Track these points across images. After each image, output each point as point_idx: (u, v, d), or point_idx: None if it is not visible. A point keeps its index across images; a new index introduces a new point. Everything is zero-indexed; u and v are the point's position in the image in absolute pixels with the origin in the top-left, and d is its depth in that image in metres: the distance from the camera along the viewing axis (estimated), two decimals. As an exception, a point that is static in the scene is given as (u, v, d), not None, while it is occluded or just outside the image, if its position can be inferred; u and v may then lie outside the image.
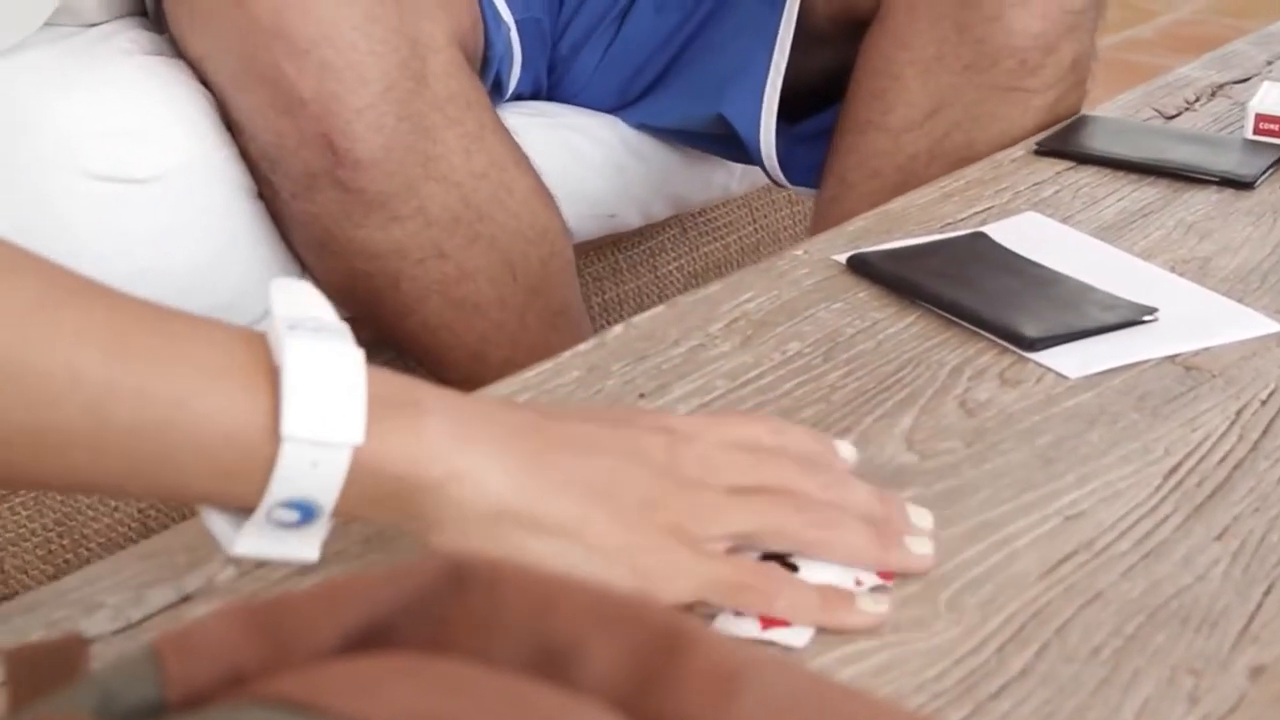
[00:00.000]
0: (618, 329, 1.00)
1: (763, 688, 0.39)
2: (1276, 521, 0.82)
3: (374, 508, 0.68)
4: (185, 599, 0.75)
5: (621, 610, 0.42)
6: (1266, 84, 1.40)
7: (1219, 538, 0.81)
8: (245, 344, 0.66)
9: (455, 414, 0.68)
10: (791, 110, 1.42)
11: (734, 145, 1.46)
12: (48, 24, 1.26)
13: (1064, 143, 1.31)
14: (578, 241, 1.44)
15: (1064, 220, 1.18)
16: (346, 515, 0.68)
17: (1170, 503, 0.84)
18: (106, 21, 1.32)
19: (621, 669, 0.41)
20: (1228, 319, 1.04)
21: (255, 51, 1.17)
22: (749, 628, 0.71)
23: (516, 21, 1.40)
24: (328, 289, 0.85)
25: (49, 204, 1.20)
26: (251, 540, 0.67)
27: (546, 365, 0.95)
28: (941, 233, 1.15)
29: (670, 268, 1.71)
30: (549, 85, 1.51)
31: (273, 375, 0.64)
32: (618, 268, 1.66)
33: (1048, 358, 0.98)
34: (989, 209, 1.20)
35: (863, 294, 1.06)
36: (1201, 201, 1.23)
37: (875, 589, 0.74)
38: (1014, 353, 0.98)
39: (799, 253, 1.12)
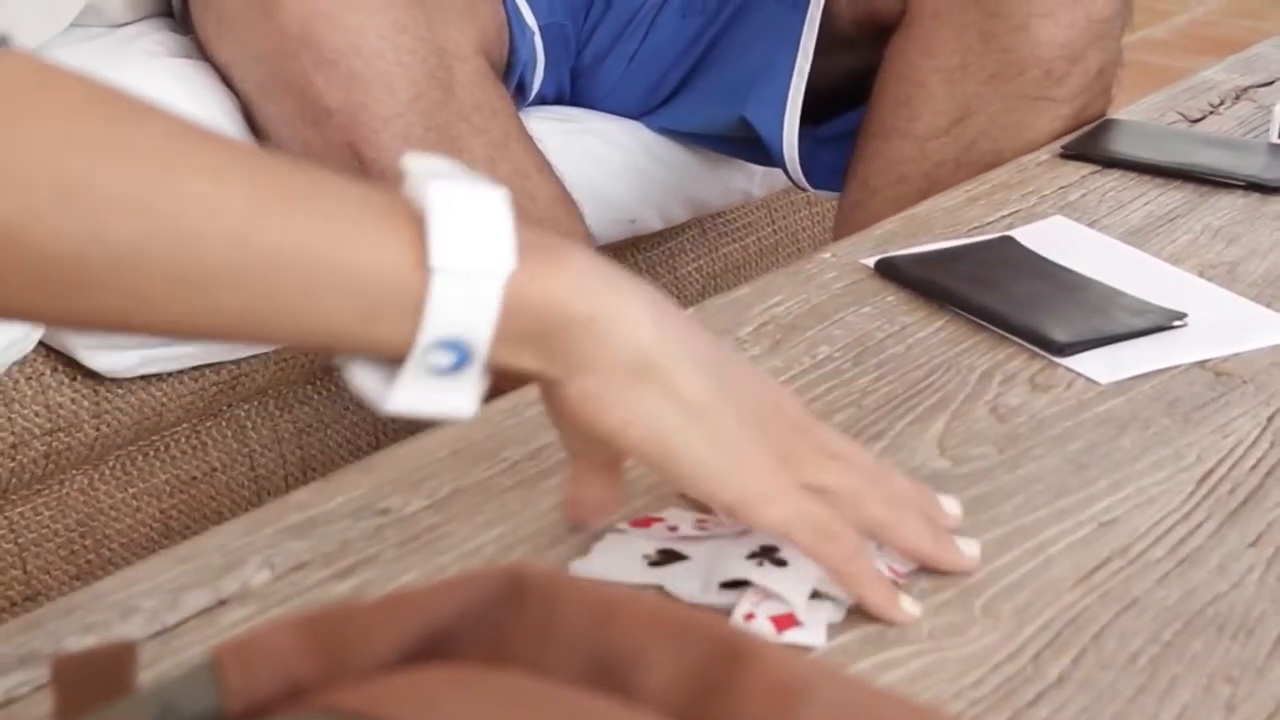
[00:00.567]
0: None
1: (823, 701, 0.39)
2: (1310, 528, 0.82)
3: (525, 347, 0.65)
4: (221, 603, 0.75)
5: (680, 622, 0.42)
6: (1291, 88, 1.40)
7: (1253, 544, 0.81)
8: (390, 191, 0.65)
9: (600, 264, 0.67)
10: (813, 112, 1.42)
11: (756, 148, 1.46)
12: (74, 25, 1.27)
13: (1089, 146, 1.31)
14: (598, 245, 1.44)
15: (1091, 224, 1.18)
16: (498, 361, 0.65)
17: (1204, 509, 0.84)
18: (132, 22, 1.33)
19: (680, 681, 0.41)
20: (1257, 324, 1.04)
21: (283, 60, 1.17)
22: (763, 628, 0.71)
23: (541, 27, 1.40)
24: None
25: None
26: (406, 393, 0.64)
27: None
28: (969, 237, 1.15)
29: (689, 269, 1.71)
30: (572, 90, 1.51)
31: (419, 217, 0.63)
32: (637, 269, 1.66)
33: (1078, 363, 0.98)
34: (1015, 213, 1.20)
35: (891, 298, 1.06)
36: (1228, 206, 1.23)
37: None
38: (1044, 358, 0.98)
39: (827, 256, 1.12)
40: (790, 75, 1.40)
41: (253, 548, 0.78)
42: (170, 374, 1.29)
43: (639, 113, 1.52)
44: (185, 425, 1.34)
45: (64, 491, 1.28)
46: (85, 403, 1.24)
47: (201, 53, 1.29)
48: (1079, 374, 0.97)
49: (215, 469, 1.36)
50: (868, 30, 1.39)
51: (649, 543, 0.77)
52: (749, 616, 0.71)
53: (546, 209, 1.29)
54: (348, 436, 1.45)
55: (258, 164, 0.63)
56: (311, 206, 0.63)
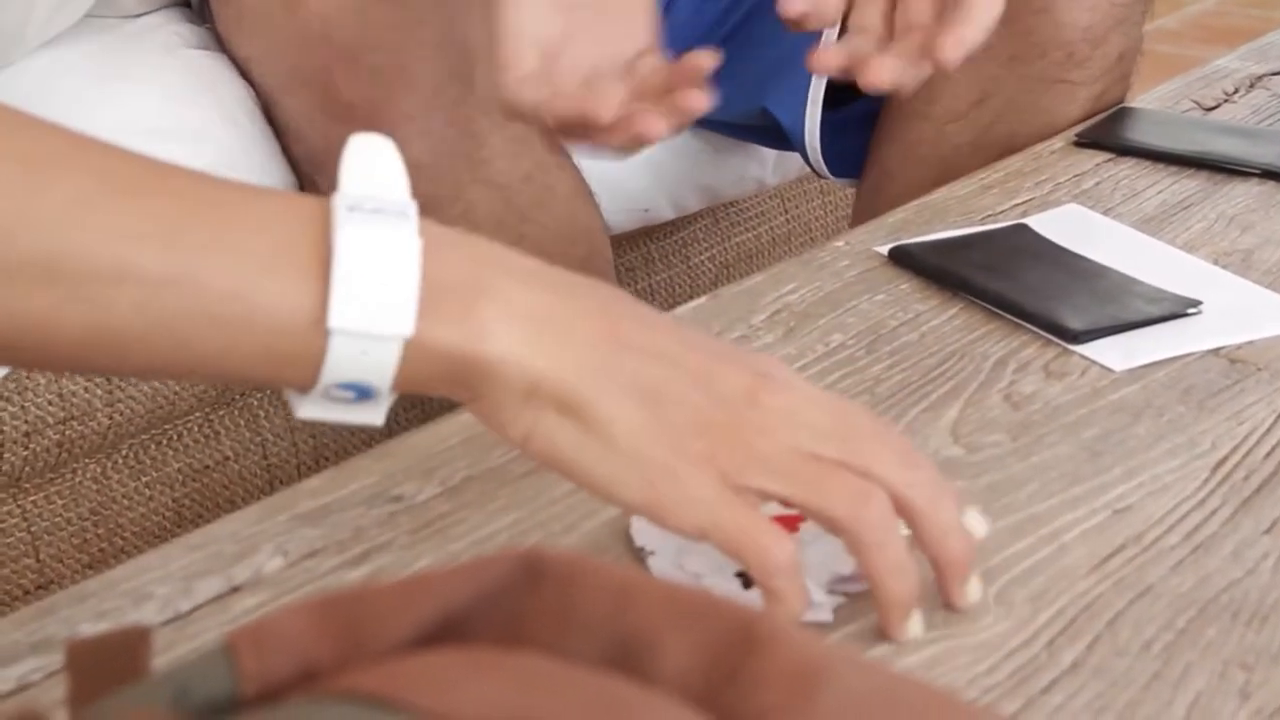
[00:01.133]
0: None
1: (842, 685, 0.39)
2: (1326, 516, 0.82)
3: (426, 386, 0.67)
4: (234, 590, 0.75)
5: (698, 605, 0.41)
6: (1306, 76, 1.40)
7: (1268, 531, 0.81)
8: (302, 225, 0.65)
9: (517, 296, 0.67)
10: (830, 96, 1.42)
11: (772, 133, 1.45)
12: (89, 16, 1.26)
13: (1104, 134, 1.31)
14: (611, 234, 1.44)
15: (1105, 212, 1.18)
16: (402, 392, 0.67)
17: (1218, 496, 0.84)
18: (149, 13, 1.32)
19: (698, 665, 0.41)
20: (1272, 311, 1.04)
21: (304, 56, 1.17)
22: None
23: None
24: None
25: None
26: (314, 409, 0.67)
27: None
28: (983, 224, 1.15)
29: (702, 258, 1.71)
30: (589, 81, 1.51)
31: (326, 260, 0.63)
32: (650, 258, 1.65)
33: (1092, 350, 0.97)
34: (1029, 200, 1.20)
35: (905, 285, 1.06)
36: (1243, 194, 1.22)
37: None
38: (1058, 345, 0.98)
39: (840, 244, 1.12)
40: None
41: (266, 535, 0.78)
42: (183, 362, 1.29)
43: (655, 100, 1.51)
44: (198, 414, 1.34)
45: (77, 480, 1.28)
46: (98, 391, 1.24)
47: (220, 44, 1.29)
48: (1093, 361, 0.97)
49: (228, 457, 1.36)
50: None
51: None
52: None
53: (566, 202, 1.29)
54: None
55: (171, 214, 0.64)
56: (221, 263, 0.63)
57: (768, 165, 1.65)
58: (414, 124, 1.17)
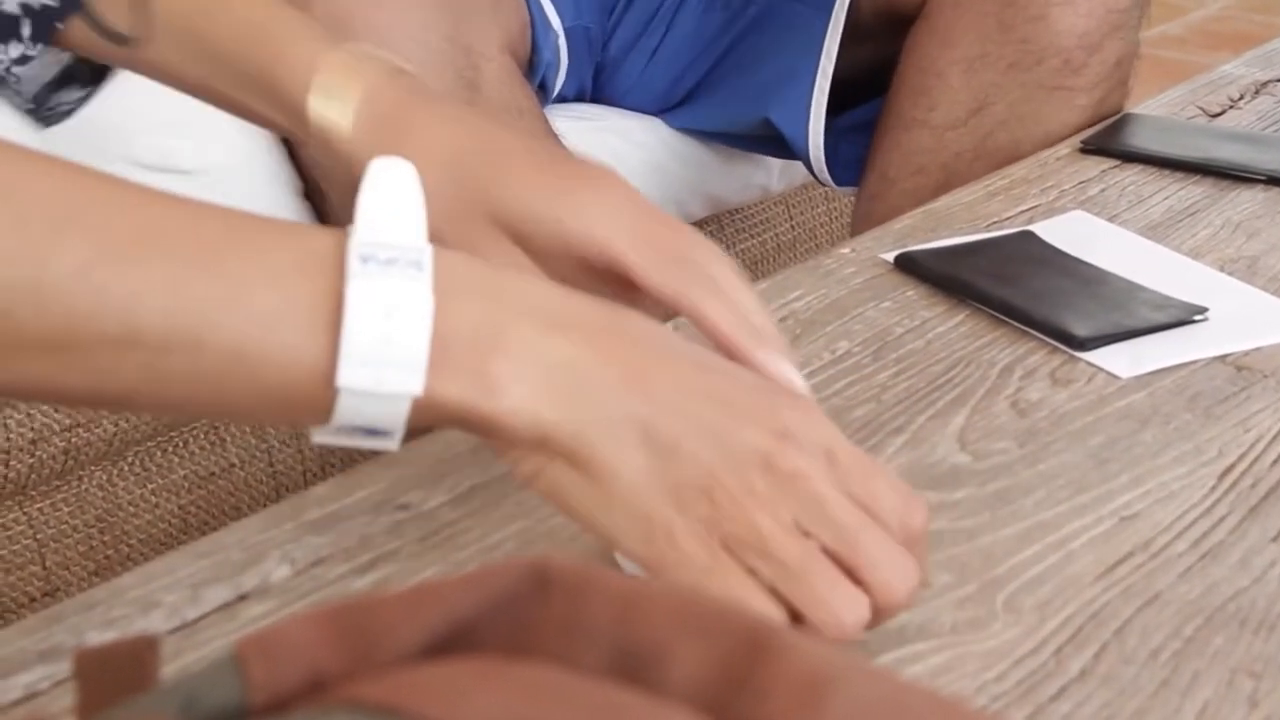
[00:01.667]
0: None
1: (851, 695, 0.39)
2: (1333, 523, 0.82)
3: (438, 426, 0.67)
4: (242, 598, 0.75)
5: (707, 615, 0.41)
6: (1311, 82, 1.40)
7: (1275, 539, 0.81)
8: (312, 278, 0.63)
9: (533, 344, 0.65)
10: (832, 104, 1.42)
11: (776, 143, 1.46)
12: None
13: (1109, 141, 1.31)
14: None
15: (1110, 219, 1.18)
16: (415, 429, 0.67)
17: (1225, 504, 0.84)
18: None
19: (707, 674, 0.41)
20: (1278, 319, 1.04)
21: None
22: None
23: (566, 29, 1.40)
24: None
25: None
26: (328, 439, 0.66)
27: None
28: (988, 231, 1.15)
29: (707, 265, 1.71)
30: (594, 87, 1.51)
31: (336, 314, 0.62)
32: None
33: (1098, 357, 0.97)
34: (1035, 207, 1.20)
35: (911, 293, 1.06)
36: (1248, 200, 1.22)
37: None
38: (1064, 352, 0.98)
39: (846, 251, 1.12)
40: (814, 75, 1.40)
41: (273, 543, 0.78)
42: (189, 370, 1.29)
43: (659, 109, 1.52)
44: (204, 421, 1.34)
45: (83, 487, 1.29)
46: (104, 398, 1.24)
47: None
48: (1100, 368, 0.96)
49: (234, 464, 1.36)
50: (887, 21, 1.39)
51: None
52: None
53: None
54: (367, 432, 1.45)
55: (175, 272, 0.62)
56: (226, 322, 0.62)
57: (773, 173, 1.65)
58: None
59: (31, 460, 1.22)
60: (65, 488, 1.28)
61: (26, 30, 0.92)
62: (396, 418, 0.64)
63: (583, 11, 1.43)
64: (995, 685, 0.70)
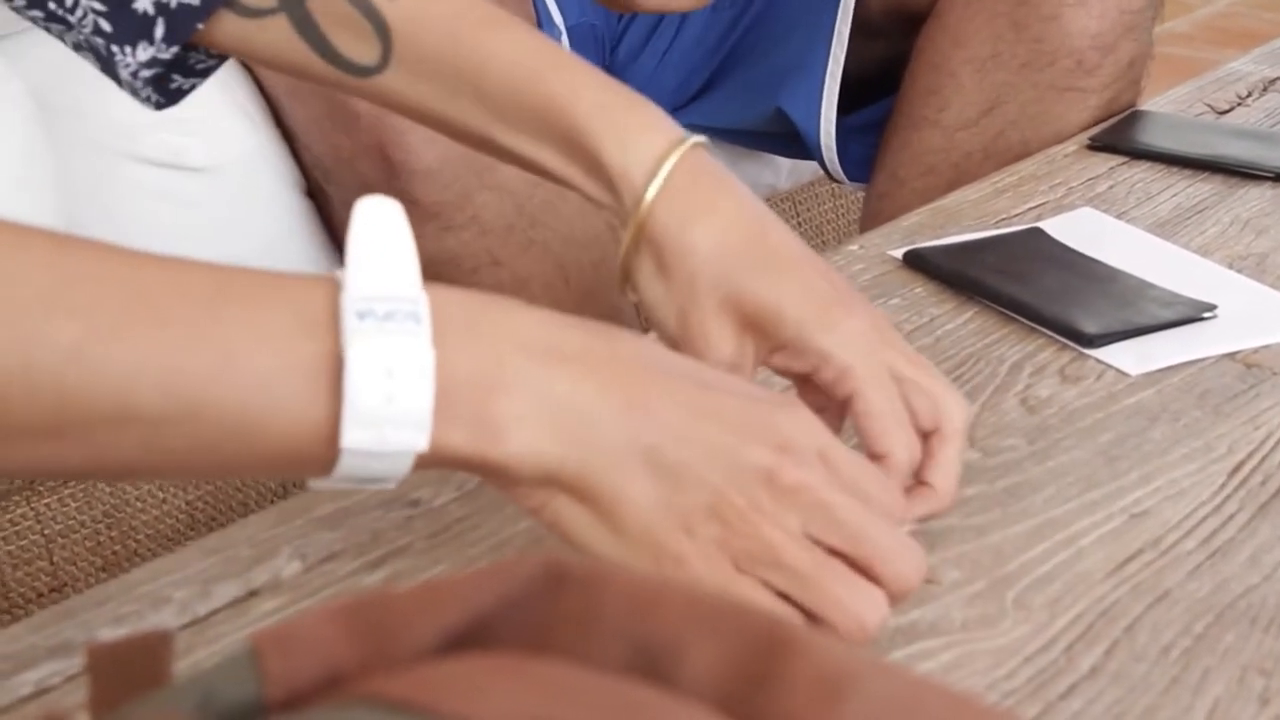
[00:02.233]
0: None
1: (869, 692, 0.39)
2: (1343, 520, 0.82)
3: (443, 471, 0.67)
4: (252, 594, 0.75)
5: (723, 612, 0.41)
6: (1319, 79, 1.40)
7: (1285, 537, 0.81)
8: (309, 340, 0.62)
9: (534, 382, 0.65)
10: (844, 102, 1.42)
11: (787, 141, 1.45)
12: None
13: (1117, 138, 1.31)
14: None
15: (1119, 216, 1.18)
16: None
17: (1235, 501, 0.83)
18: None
19: (723, 671, 0.41)
20: (1287, 316, 1.04)
21: None
22: None
23: (569, 27, 1.40)
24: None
25: (104, 188, 1.20)
26: (327, 485, 0.65)
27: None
28: (996, 228, 1.15)
29: (714, 262, 1.70)
30: (605, 87, 1.51)
31: (336, 375, 0.61)
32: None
33: (1107, 354, 0.97)
34: (1043, 204, 1.20)
35: (919, 290, 1.06)
36: (1256, 197, 1.22)
37: None
38: (1073, 349, 0.98)
39: (854, 248, 1.12)
40: (825, 67, 1.40)
41: (283, 538, 0.78)
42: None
43: (671, 108, 1.51)
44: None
45: (90, 483, 1.29)
46: (112, 394, 1.25)
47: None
48: (1109, 365, 0.96)
49: (241, 461, 1.36)
50: (898, 20, 1.39)
51: None
52: None
53: (576, 207, 1.29)
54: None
55: (170, 343, 0.61)
56: (224, 393, 0.61)
57: (780, 171, 1.65)
58: (420, 131, 1.17)
59: (39, 456, 1.22)
60: (73, 483, 1.28)
61: (159, 31, 0.87)
62: (399, 470, 0.63)
63: (587, 9, 1.43)
64: (1006, 682, 0.70)
